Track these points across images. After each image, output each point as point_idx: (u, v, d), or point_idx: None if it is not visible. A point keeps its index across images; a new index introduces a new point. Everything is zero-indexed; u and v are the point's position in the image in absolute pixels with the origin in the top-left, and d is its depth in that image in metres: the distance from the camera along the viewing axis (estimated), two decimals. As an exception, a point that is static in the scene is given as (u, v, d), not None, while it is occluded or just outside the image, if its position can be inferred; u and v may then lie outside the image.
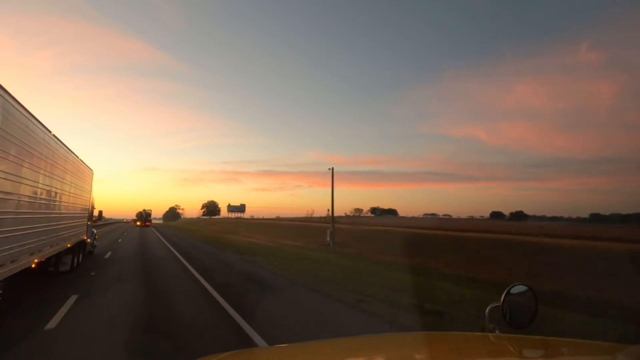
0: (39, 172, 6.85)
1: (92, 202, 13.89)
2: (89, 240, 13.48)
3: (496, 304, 1.54)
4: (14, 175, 5.52)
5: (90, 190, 13.27)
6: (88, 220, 12.81)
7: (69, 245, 9.72)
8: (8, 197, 5.31)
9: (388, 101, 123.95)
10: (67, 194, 9.42)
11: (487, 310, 1.56)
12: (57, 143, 8.28)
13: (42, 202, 7.24)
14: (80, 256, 11.48)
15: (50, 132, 7.67)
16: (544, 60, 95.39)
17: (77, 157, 10.85)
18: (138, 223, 57.62)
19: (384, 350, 1.46)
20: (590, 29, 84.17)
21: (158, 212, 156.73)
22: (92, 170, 13.61)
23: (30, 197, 6.38)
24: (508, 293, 1.54)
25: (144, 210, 60.55)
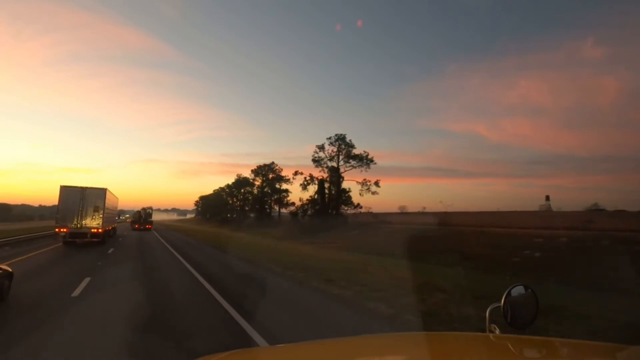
0: (109, 206, 23.49)
1: (117, 210, 33.32)
2: (115, 226, 31.25)
3: (497, 305, 1.54)
4: (110, 210, 23.74)
5: (117, 206, 30.93)
6: (116, 218, 33.32)
7: (114, 225, 29.09)
8: (109, 215, 23.27)
9: (388, 95, 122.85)
10: (112, 211, 26.13)
11: (487, 311, 1.55)
12: (113, 195, 25.65)
13: (111, 213, 25.45)
14: (114, 232, 29.40)
15: (113, 194, 25.75)
16: (548, 56, 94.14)
17: (115, 196, 27.92)
18: (136, 225, 45.44)
19: (384, 350, 1.46)
20: (596, 24, 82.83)
21: (159, 204, 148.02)
22: (117, 197, 29.75)
23: (111, 212, 25.56)
24: (508, 294, 1.53)
25: (143, 208, 48.33)
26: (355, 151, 47.71)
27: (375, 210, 49.29)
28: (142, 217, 46.35)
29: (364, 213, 47.22)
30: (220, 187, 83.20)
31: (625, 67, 74.17)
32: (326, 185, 48.56)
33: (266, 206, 63.01)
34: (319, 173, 49.18)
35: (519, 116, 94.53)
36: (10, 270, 7.39)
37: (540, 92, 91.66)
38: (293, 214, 52.65)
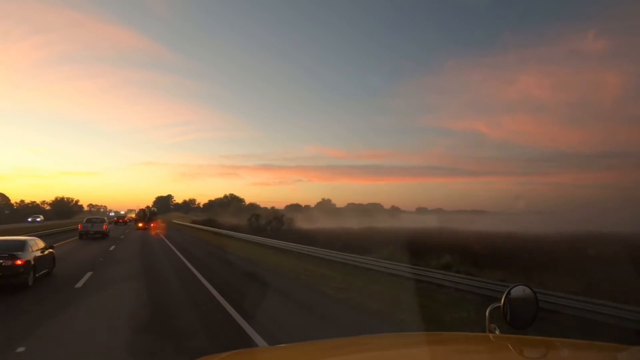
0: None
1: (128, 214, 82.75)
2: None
3: (497, 305, 1.54)
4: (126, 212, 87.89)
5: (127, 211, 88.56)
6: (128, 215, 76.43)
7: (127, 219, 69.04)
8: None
9: (386, 93, 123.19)
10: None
11: (487, 311, 1.55)
12: (129, 211, 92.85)
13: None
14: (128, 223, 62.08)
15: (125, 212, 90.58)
16: (549, 50, 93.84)
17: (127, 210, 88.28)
18: (140, 224, 44.45)
19: (384, 350, 1.46)
20: (598, 16, 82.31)
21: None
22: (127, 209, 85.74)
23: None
24: (508, 293, 1.53)
25: (148, 206, 48.37)
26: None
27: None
28: (147, 216, 45.82)
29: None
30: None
31: (629, 61, 73.60)
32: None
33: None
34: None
35: (519, 113, 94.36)
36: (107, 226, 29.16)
37: (541, 87, 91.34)
38: None
